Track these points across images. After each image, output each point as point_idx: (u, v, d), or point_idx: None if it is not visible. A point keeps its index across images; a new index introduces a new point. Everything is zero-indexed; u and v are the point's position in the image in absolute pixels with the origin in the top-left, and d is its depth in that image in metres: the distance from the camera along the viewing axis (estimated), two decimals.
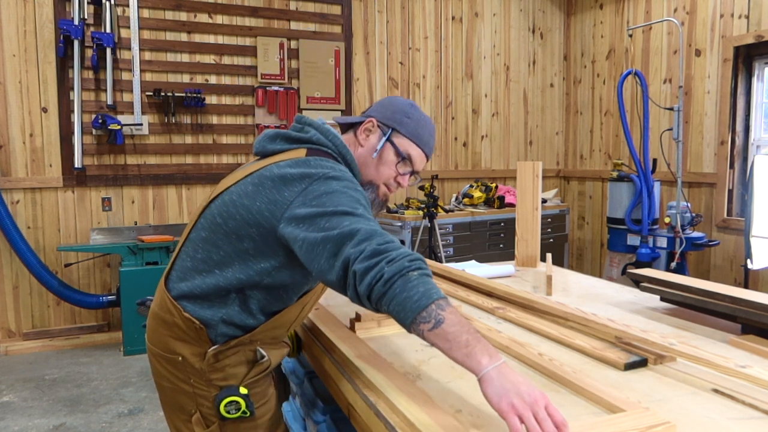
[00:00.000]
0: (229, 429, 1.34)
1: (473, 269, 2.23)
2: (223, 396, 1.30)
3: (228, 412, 1.30)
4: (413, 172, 1.45)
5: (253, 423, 1.36)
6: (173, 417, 1.40)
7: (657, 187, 4.29)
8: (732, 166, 4.41)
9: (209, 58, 4.65)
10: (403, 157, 1.41)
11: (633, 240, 4.23)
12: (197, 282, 1.32)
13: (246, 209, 1.27)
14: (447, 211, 4.88)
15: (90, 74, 4.31)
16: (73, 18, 4.13)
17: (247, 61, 4.76)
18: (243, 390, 1.32)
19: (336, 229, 1.13)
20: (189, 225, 1.40)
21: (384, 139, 1.41)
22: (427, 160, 1.47)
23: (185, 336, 1.32)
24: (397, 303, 1.04)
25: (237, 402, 1.30)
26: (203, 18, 4.62)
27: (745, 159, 4.40)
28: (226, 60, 4.70)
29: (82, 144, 4.23)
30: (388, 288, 1.04)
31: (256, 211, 1.25)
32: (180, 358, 1.32)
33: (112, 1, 4.24)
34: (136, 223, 4.50)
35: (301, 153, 1.33)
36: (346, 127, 1.48)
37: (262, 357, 1.36)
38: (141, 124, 4.42)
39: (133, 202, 4.52)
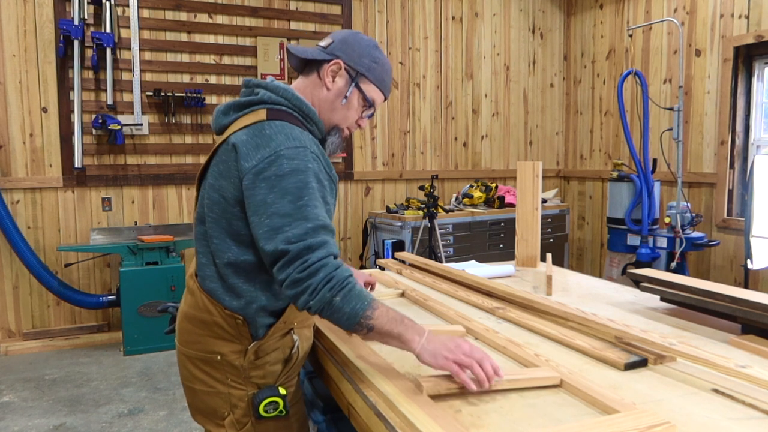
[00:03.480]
0: (262, 429, 1.35)
1: (473, 269, 2.23)
2: (264, 396, 1.32)
3: (266, 412, 1.32)
4: (371, 114, 1.45)
5: (287, 422, 1.38)
6: (204, 421, 1.41)
7: (657, 187, 4.28)
8: (732, 166, 4.41)
9: (209, 58, 4.65)
10: (370, 104, 1.41)
11: (633, 240, 4.23)
12: (220, 275, 1.32)
13: (223, 189, 1.28)
14: (447, 211, 4.87)
15: (90, 74, 4.31)
16: (73, 18, 4.13)
17: (247, 61, 4.76)
18: (282, 390, 1.34)
19: (271, 240, 1.19)
20: (193, 221, 1.42)
21: (352, 85, 1.37)
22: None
23: (225, 334, 1.32)
24: (333, 322, 1.20)
25: (276, 402, 1.32)
26: (203, 18, 4.62)
27: (745, 159, 4.40)
28: (226, 60, 4.70)
29: (82, 144, 4.23)
30: (320, 313, 1.19)
31: (232, 188, 1.26)
32: (218, 357, 1.33)
33: (112, 1, 4.24)
34: (136, 223, 4.50)
35: (261, 115, 1.30)
36: (304, 63, 1.42)
37: (294, 343, 1.39)
38: (141, 124, 4.42)
39: (133, 202, 4.52)
